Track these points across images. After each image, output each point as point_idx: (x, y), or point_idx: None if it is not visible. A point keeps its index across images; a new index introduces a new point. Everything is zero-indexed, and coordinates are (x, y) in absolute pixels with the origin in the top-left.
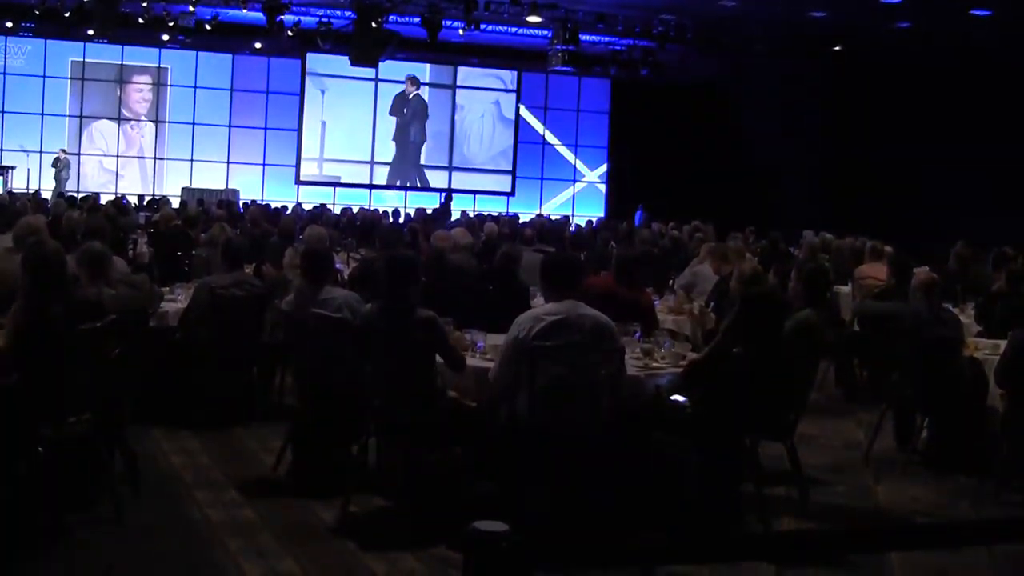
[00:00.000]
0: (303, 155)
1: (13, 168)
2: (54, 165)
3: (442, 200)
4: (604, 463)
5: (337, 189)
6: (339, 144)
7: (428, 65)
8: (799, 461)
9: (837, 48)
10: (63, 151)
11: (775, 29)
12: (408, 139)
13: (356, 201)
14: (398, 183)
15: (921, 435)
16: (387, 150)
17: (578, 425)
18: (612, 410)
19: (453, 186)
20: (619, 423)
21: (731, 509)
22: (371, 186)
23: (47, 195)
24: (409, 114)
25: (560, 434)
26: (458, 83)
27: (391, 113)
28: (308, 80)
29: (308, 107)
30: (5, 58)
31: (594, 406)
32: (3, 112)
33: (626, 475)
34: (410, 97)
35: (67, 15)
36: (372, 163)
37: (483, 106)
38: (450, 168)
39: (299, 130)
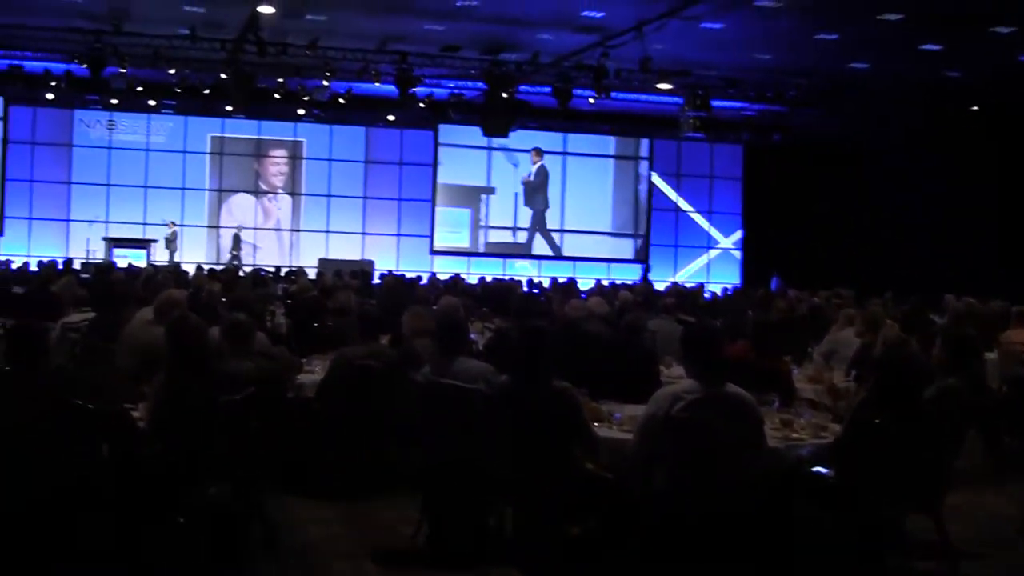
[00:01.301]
0: (490, 222)
1: (155, 241)
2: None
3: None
4: (745, 537)
5: (472, 259)
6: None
7: (613, 138)
8: (947, 533)
9: (974, 108)
10: (173, 223)
11: (910, 90)
12: (538, 208)
13: (490, 271)
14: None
15: None
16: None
17: (717, 499)
18: (752, 483)
19: (583, 254)
20: (760, 496)
21: None
22: (505, 256)
23: (188, 268)
24: (537, 183)
25: (699, 509)
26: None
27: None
28: (503, 155)
29: (499, 178)
30: (148, 135)
31: (733, 480)
32: (146, 187)
33: (768, 548)
34: (535, 167)
35: (206, 92)
36: (563, 231)
37: (618, 173)
38: (631, 235)
39: (432, 200)
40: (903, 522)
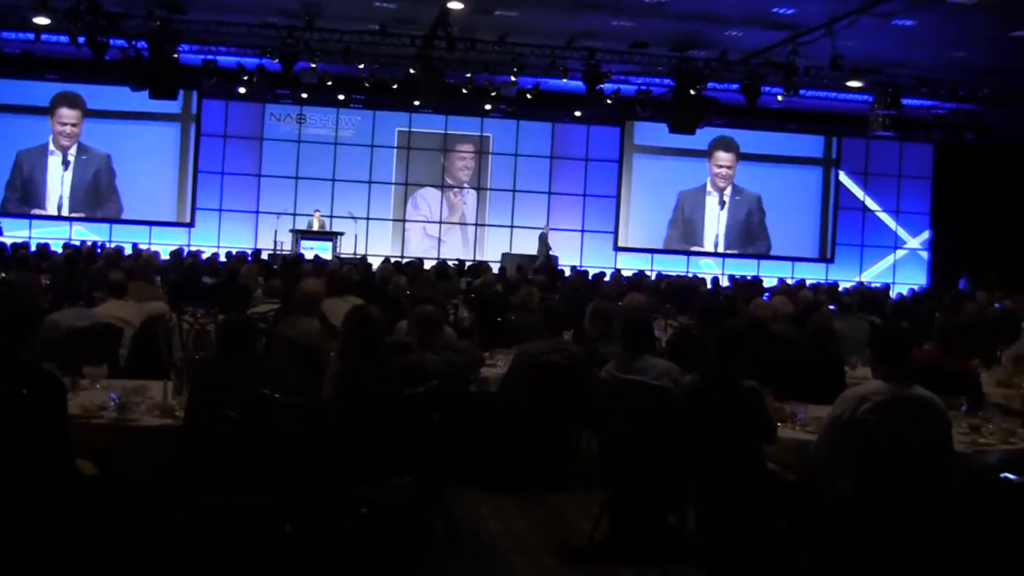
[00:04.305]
0: None
1: (342, 234)
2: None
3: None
4: (930, 542)
5: (655, 256)
6: None
7: (800, 136)
8: None
9: None
10: (318, 211)
11: None
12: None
13: (673, 268)
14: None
15: None
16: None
17: (903, 503)
18: (939, 487)
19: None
20: (947, 503)
21: None
22: (688, 252)
23: (373, 260)
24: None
25: (884, 512)
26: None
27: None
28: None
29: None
30: (337, 128)
31: (920, 486)
32: (334, 180)
33: (954, 555)
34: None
35: (395, 87)
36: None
37: (803, 172)
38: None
39: (617, 197)
40: None
